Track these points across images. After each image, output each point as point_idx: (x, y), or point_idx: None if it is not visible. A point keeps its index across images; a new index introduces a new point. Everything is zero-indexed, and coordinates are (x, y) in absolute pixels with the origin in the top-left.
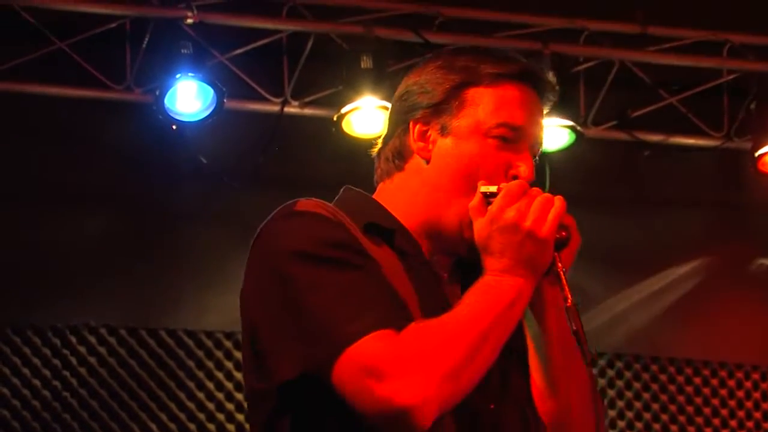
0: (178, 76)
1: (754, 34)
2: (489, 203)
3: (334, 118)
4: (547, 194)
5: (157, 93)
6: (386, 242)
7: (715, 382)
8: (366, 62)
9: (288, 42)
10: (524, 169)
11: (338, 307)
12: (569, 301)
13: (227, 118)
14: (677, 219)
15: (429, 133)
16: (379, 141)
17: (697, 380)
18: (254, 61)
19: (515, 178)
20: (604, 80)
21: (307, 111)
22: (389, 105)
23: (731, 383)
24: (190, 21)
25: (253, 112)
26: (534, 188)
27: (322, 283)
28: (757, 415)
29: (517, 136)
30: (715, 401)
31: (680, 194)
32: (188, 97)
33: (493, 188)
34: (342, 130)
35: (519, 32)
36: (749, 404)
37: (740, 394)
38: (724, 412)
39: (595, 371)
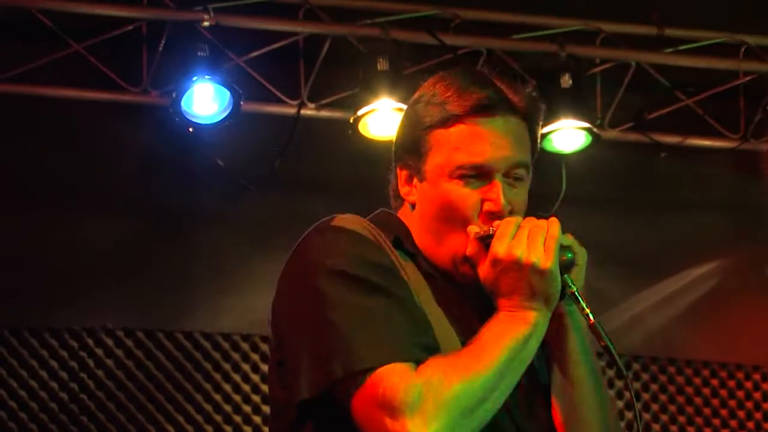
0: (194, 78)
1: None
2: (487, 244)
3: (351, 121)
4: (539, 222)
5: (174, 95)
6: (412, 259)
7: (731, 384)
8: (382, 64)
9: (304, 44)
10: (492, 203)
11: (361, 331)
12: (590, 319)
13: (244, 120)
14: (693, 221)
15: (413, 177)
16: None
17: (714, 382)
18: (271, 63)
19: (491, 213)
20: (620, 82)
21: (324, 113)
22: (405, 107)
23: (748, 385)
24: (206, 23)
25: (270, 115)
26: (527, 219)
27: (349, 304)
28: None
29: (480, 172)
30: (732, 403)
31: (696, 196)
32: (205, 100)
33: (486, 229)
34: (358, 132)
35: (535, 34)
36: (766, 406)
37: (757, 395)
38: (741, 414)
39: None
